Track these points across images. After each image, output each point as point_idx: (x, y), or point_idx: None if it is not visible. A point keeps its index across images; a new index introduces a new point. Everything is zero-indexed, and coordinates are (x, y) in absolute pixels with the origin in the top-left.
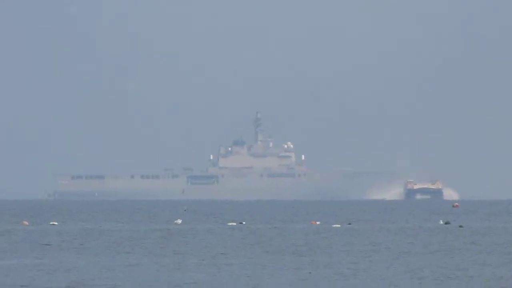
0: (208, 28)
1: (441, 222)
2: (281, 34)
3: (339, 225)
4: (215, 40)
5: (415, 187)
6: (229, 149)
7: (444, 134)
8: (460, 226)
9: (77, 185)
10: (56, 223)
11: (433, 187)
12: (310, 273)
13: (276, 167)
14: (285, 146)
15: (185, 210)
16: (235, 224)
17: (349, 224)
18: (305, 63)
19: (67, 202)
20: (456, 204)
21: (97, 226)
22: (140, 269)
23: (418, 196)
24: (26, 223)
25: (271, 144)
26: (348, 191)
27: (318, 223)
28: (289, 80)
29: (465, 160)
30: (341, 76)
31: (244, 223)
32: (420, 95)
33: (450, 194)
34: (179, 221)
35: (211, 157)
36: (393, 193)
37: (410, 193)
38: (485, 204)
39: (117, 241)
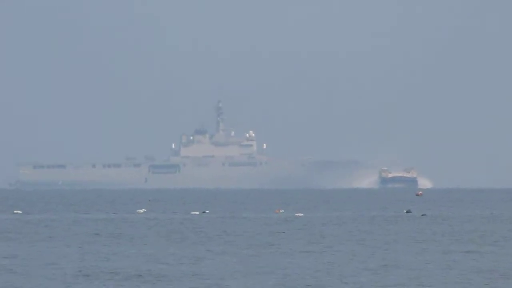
0: (170, 17)
1: (404, 211)
2: (241, 19)
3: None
4: (178, 28)
5: (389, 175)
6: (191, 138)
7: (418, 122)
8: (423, 215)
9: (39, 174)
10: (19, 212)
11: (407, 176)
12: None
13: (237, 156)
14: (247, 135)
15: (149, 201)
16: (197, 213)
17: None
18: (268, 49)
19: (29, 191)
20: (420, 192)
21: (59, 216)
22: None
23: (394, 185)
24: None
25: (232, 133)
26: (310, 180)
27: (282, 211)
28: (251, 67)
29: (439, 148)
30: (306, 63)
31: (207, 211)
32: (393, 83)
33: (424, 183)
34: (142, 210)
35: (173, 146)
36: (367, 181)
37: (384, 181)
38: (456, 193)
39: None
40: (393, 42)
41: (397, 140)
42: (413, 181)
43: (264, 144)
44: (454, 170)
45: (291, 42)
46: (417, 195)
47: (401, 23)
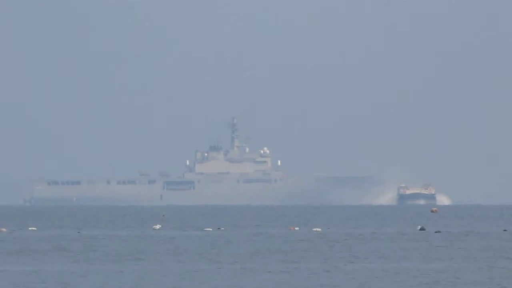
0: (184, 33)
1: (418, 228)
2: (254, 38)
3: (319, 229)
4: (193, 42)
5: (407, 192)
6: (205, 154)
7: (436, 138)
8: (437, 232)
9: (53, 190)
10: (34, 228)
11: (425, 192)
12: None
13: (252, 172)
14: (261, 151)
15: (163, 216)
16: (211, 229)
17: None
18: (282, 66)
19: (43, 207)
20: (435, 209)
21: (75, 232)
22: (117, 275)
23: (412, 201)
24: (4, 229)
25: (247, 150)
26: (325, 196)
27: (297, 228)
28: (265, 84)
29: (458, 165)
30: (320, 79)
31: (222, 228)
32: (409, 98)
33: (442, 200)
34: (158, 226)
35: (187, 163)
36: (386, 198)
37: (402, 198)
38: (473, 209)
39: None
40: (409, 53)
41: (415, 156)
42: (432, 197)
43: (279, 161)
44: (473, 186)
45: (299, 55)
46: (432, 211)
47: (413, 27)
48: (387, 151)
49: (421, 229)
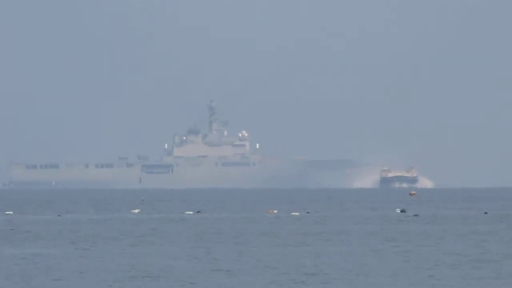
0: (163, 23)
1: (398, 211)
2: (231, 29)
3: (297, 213)
4: (169, 28)
5: (390, 175)
6: (184, 138)
7: (418, 121)
8: (415, 215)
9: (32, 174)
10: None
11: (407, 175)
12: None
13: (230, 155)
14: (240, 134)
15: (142, 200)
16: (192, 213)
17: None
18: (261, 48)
19: (22, 191)
20: (413, 192)
21: (54, 216)
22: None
23: (397, 185)
24: None
25: (225, 133)
26: (304, 179)
27: (275, 211)
28: (244, 67)
29: (441, 147)
30: (300, 62)
31: (200, 212)
32: (390, 80)
33: (425, 183)
34: (136, 210)
35: (166, 146)
36: (369, 181)
37: (384, 181)
38: (455, 193)
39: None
40: (390, 36)
41: (397, 139)
42: (414, 180)
43: (257, 144)
44: (457, 169)
45: (281, 36)
46: (411, 194)
47: (396, 16)
48: (369, 134)
49: (402, 211)
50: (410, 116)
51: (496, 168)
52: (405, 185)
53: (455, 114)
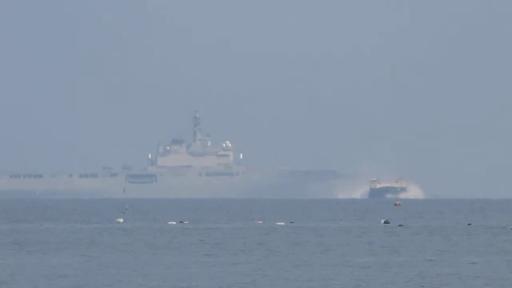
0: (149, 32)
1: (382, 222)
2: (213, 37)
3: (283, 223)
4: (153, 36)
5: (378, 186)
6: (168, 147)
7: (412, 132)
8: (400, 225)
9: (15, 183)
10: None
11: (396, 186)
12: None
13: (214, 166)
14: (224, 145)
15: (126, 209)
16: (175, 223)
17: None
18: (246, 59)
19: (4, 200)
20: (398, 202)
21: (38, 225)
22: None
23: (383, 195)
24: None
25: (209, 143)
26: (288, 190)
27: (260, 222)
28: (227, 77)
29: (432, 158)
30: (285, 71)
31: (186, 222)
32: (378, 89)
33: (415, 193)
34: (121, 220)
35: (150, 156)
36: (359, 192)
37: (373, 192)
38: (444, 203)
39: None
40: (379, 46)
41: (384, 149)
42: (402, 190)
43: (241, 154)
44: (449, 180)
45: (263, 45)
46: (396, 205)
47: (386, 27)
48: (358, 145)
49: (385, 222)
50: (398, 125)
51: (488, 179)
52: (393, 195)
53: (446, 124)
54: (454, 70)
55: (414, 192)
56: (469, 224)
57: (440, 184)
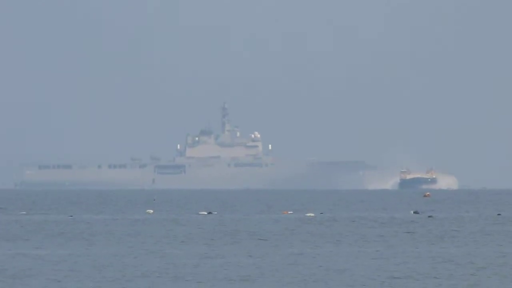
0: (174, 24)
1: (412, 212)
2: (243, 30)
3: (313, 214)
4: (182, 26)
5: (408, 176)
6: (196, 138)
7: (438, 121)
8: (430, 216)
9: (44, 174)
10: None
11: (426, 176)
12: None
13: (243, 156)
14: (252, 135)
15: (154, 200)
16: (205, 213)
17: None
18: (273, 48)
19: (34, 192)
20: (428, 193)
21: (69, 216)
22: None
23: (413, 186)
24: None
25: (238, 134)
26: (316, 181)
27: (290, 212)
28: (256, 68)
29: (466, 148)
30: (313, 63)
31: (215, 212)
32: (405, 79)
33: (448, 183)
34: (151, 211)
35: (178, 147)
36: (389, 183)
37: (404, 183)
38: (477, 194)
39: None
40: (404, 33)
41: (414, 140)
42: (433, 181)
43: (270, 145)
44: (484, 170)
45: (294, 40)
46: (425, 196)
47: (413, 12)
48: (388, 135)
49: (415, 212)
50: (430, 115)
51: None
52: (423, 186)
53: (480, 112)
54: (486, 50)
55: (445, 183)
56: (499, 214)
57: (475, 174)
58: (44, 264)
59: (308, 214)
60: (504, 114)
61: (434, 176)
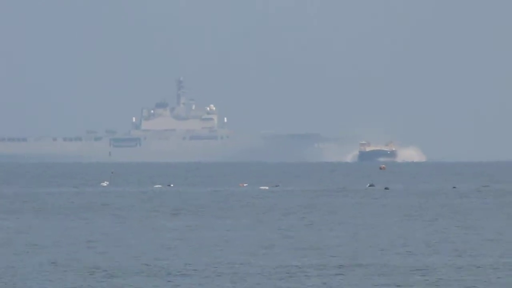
0: None
1: (367, 185)
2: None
3: (267, 187)
4: (140, 1)
5: (367, 149)
6: (152, 111)
7: (404, 94)
8: (386, 188)
9: None
10: None
11: (386, 149)
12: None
13: (199, 129)
14: (208, 108)
15: (112, 173)
16: (161, 186)
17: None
18: (229, 20)
19: None
20: (383, 166)
21: (24, 190)
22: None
23: (373, 159)
24: None
25: (193, 107)
26: (271, 153)
27: (245, 185)
28: (211, 40)
29: (429, 121)
30: (270, 32)
31: (172, 185)
32: (371, 50)
33: (411, 155)
34: (105, 183)
35: (134, 120)
36: (349, 155)
37: (363, 155)
38: (437, 167)
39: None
40: (371, 8)
41: (378, 113)
42: (393, 154)
43: (225, 118)
44: (451, 143)
45: (252, 11)
46: (380, 168)
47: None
48: (347, 108)
49: (370, 185)
50: (393, 88)
51: (489, 142)
52: (382, 159)
53: (445, 85)
54: (450, 30)
55: (407, 155)
56: (454, 187)
57: (441, 147)
58: None
59: (262, 187)
60: (472, 85)
61: (393, 149)
